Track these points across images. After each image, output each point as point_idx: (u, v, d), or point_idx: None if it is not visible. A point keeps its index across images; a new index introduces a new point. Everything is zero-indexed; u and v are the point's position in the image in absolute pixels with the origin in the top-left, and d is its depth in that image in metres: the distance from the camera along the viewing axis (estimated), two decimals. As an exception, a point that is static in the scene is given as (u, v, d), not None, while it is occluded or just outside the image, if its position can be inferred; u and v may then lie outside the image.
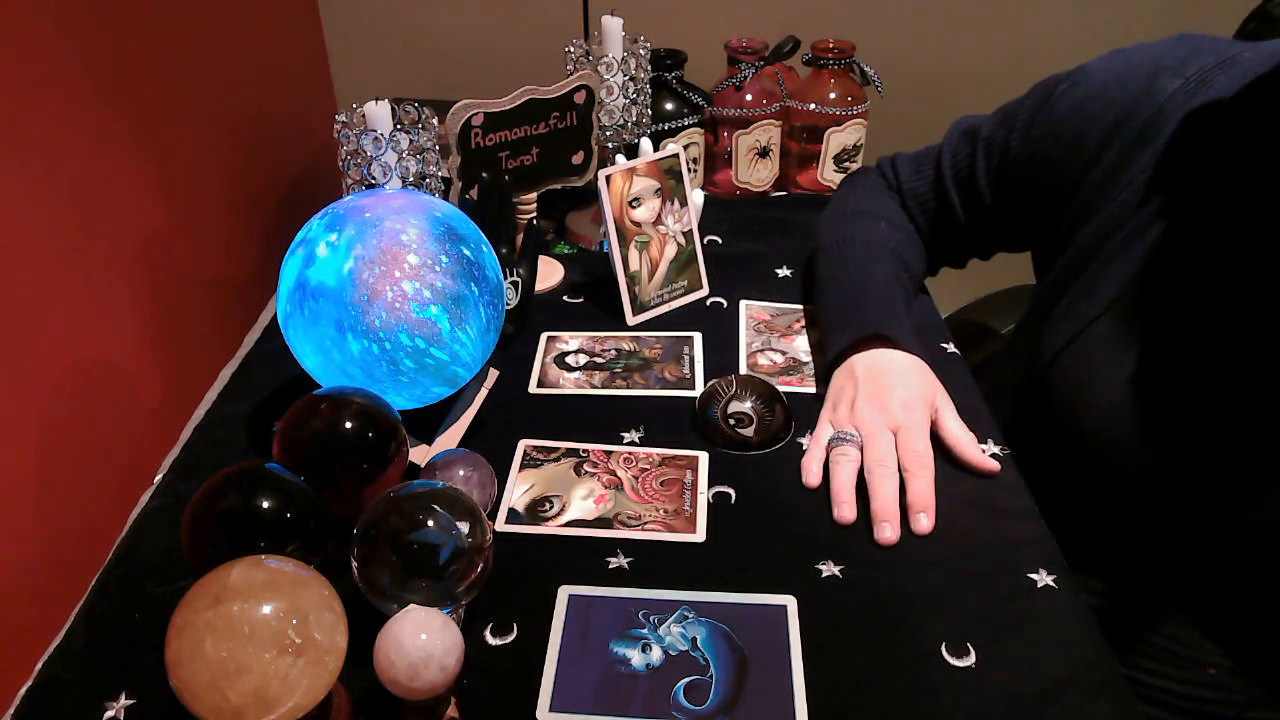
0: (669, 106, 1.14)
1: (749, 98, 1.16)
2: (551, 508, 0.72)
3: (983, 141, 0.84)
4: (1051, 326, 0.77)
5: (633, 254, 0.93)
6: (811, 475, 0.73)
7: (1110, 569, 0.75)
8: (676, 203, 0.96)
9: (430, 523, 0.53)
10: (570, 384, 0.86)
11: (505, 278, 0.87)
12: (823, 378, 0.84)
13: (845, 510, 0.70)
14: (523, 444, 0.79)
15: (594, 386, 0.86)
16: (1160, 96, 0.71)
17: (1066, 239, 0.77)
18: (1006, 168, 0.83)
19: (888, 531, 0.68)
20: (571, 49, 1.01)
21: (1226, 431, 0.67)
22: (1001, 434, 0.79)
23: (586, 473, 0.75)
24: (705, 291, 0.99)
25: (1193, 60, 0.71)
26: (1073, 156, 0.76)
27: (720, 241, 1.11)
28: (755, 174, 1.21)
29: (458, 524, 0.54)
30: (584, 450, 0.78)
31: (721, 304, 0.98)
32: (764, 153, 1.20)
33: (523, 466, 0.76)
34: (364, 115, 0.85)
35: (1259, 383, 0.66)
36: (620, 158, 0.95)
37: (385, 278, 0.66)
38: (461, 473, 0.67)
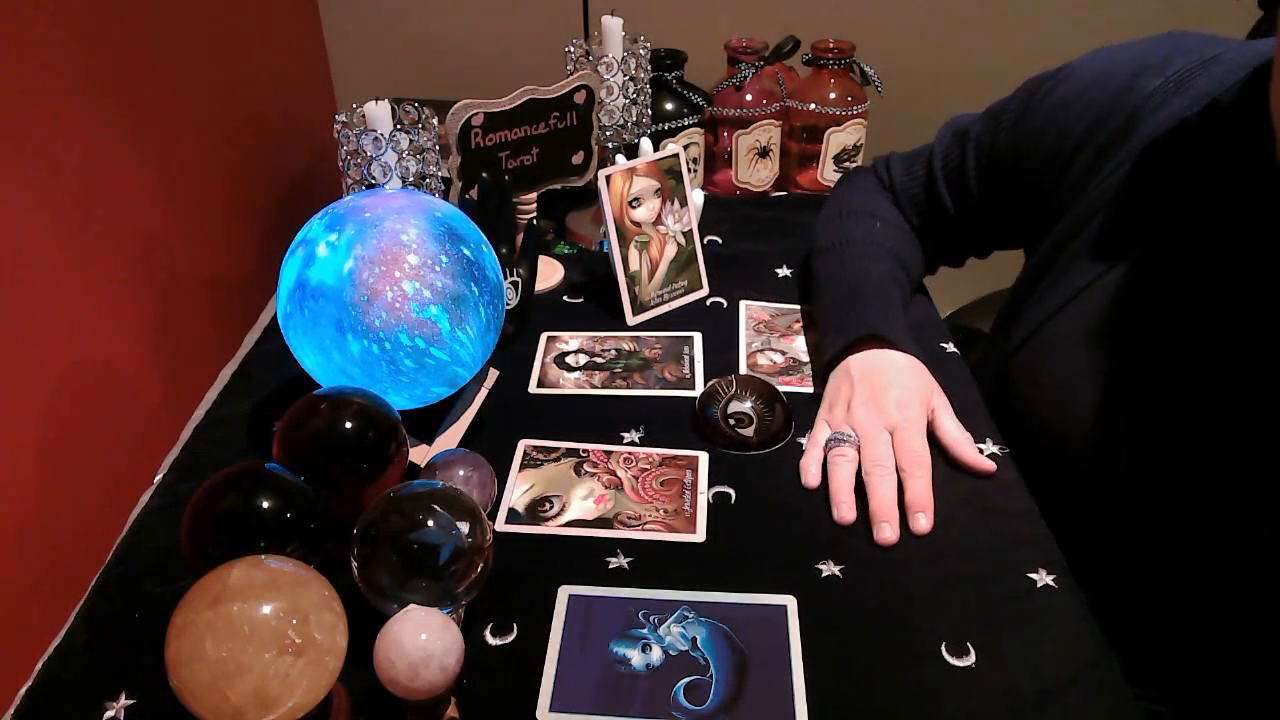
0: (669, 106, 1.14)
1: (749, 98, 1.16)
2: (551, 508, 0.72)
3: (972, 141, 0.85)
4: (1019, 319, 0.78)
5: (633, 254, 0.93)
6: (810, 476, 0.73)
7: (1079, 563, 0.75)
8: (676, 203, 0.96)
9: (430, 523, 0.53)
10: (570, 384, 0.86)
11: (505, 278, 0.87)
12: (820, 379, 0.84)
13: (845, 511, 0.70)
14: (523, 444, 0.79)
15: (594, 386, 0.86)
16: (1139, 95, 0.71)
17: (1050, 234, 0.78)
18: (994, 167, 0.83)
19: (887, 532, 0.68)
20: (571, 49, 1.01)
21: (1189, 427, 0.67)
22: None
23: (586, 473, 0.75)
24: (705, 291, 0.99)
25: (1175, 59, 0.71)
26: (1056, 155, 0.76)
27: (720, 241, 1.11)
28: (755, 174, 1.21)
29: (458, 524, 0.54)
30: (584, 450, 0.78)
31: (721, 304, 0.98)
32: (764, 153, 1.19)
33: (523, 466, 0.76)
34: (364, 115, 0.85)
35: (1219, 379, 0.66)
36: (620, 158, 0.95)
37: (385, 278, 0.66)
38: (461, 473, 0.67)
